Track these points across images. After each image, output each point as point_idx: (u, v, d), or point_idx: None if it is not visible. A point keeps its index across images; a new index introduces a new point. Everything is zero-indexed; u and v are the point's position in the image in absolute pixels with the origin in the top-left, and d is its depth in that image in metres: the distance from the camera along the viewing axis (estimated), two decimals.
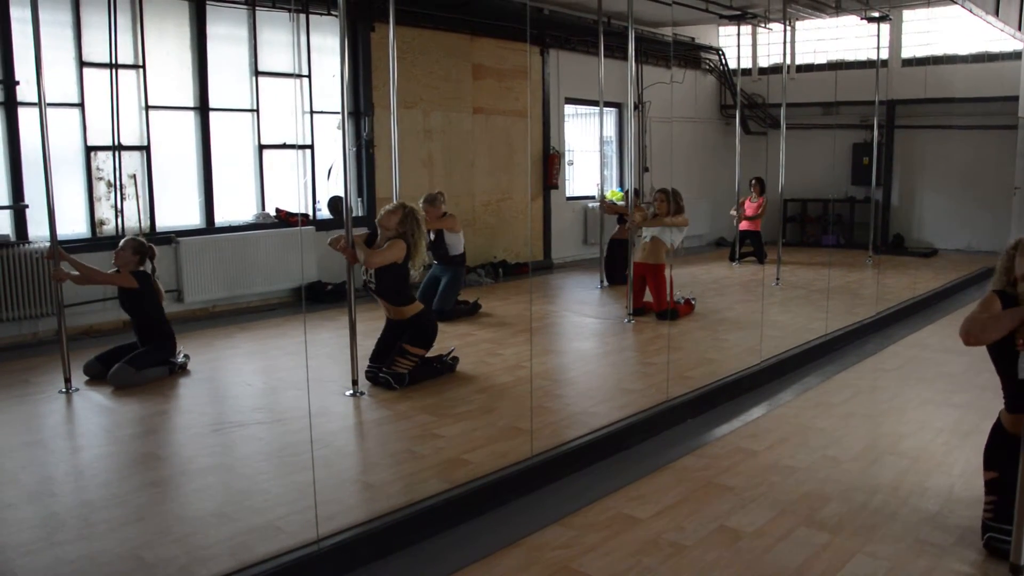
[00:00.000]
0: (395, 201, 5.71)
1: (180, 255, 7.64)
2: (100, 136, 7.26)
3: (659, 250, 7.67)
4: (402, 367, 5.32)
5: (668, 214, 7.63)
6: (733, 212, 11.56)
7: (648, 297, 7.78)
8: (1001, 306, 3.11)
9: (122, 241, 5.71)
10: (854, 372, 6.11)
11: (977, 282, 10.31)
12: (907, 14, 12.74)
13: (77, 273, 5.51)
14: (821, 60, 13.75)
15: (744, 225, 11.60)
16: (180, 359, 5.77)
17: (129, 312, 5.78)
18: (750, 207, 11.58)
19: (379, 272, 5.37)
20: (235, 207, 8.37)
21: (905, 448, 4.39)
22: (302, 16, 8.59)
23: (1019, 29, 10.89)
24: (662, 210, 7.67)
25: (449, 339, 6.44)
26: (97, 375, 5.51)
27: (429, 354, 5.65)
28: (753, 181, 11.67)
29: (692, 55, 13.69)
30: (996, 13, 9.97)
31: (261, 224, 8.41)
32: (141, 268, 5.65)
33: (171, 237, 7.64)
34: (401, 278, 5.45)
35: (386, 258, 5.30)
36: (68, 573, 2.97)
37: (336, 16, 7.17)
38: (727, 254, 12.03)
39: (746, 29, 13.19)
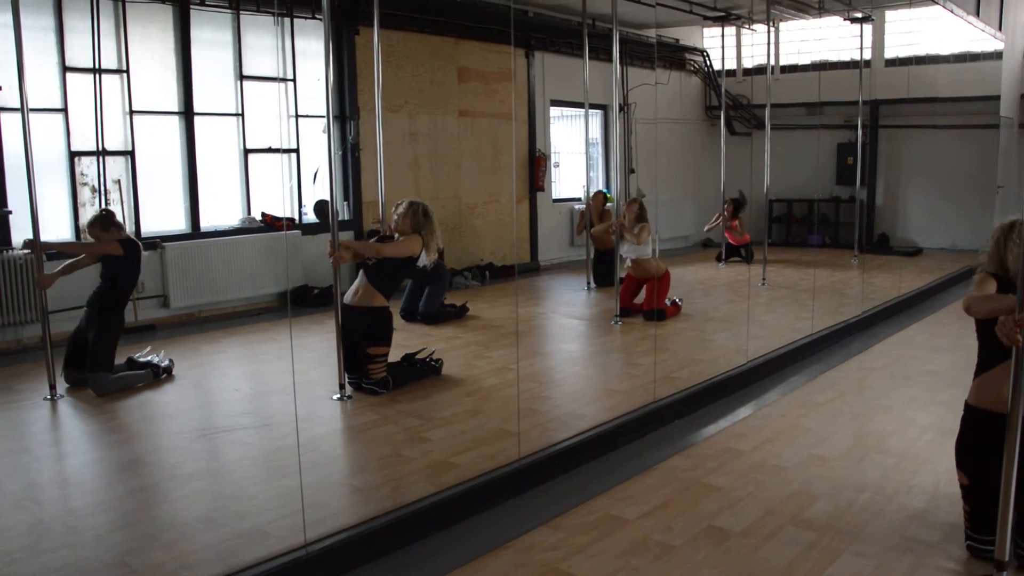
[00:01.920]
0: (404, 200, 5.66)
1: (166, 260, 7.60)
2: (84, 141, 7.22)
3: (650, 264, 7.69)
4: (378, 372, 5.28)
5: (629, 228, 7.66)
6: (709, 228, 11.69)
7: (639, 298, 7.77)
8: (997, 287, 3.00)
9: (87, 224, 5.51)
10: (840, 371, 6.14)
11: (961, 280, 10.38)
12: (890, 15, 12.84)
13: (59, 272, 5.37)
14: (805, 61, 13.82)
15: (734, 241, 11.63)
16: (164, 363, 5.73)
17: (108, 278, 5.48)
18: (733, 237, 11.58)
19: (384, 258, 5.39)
20: (221, 212, 8.34)
21: (891, 446, 4.42)
22: (286, 20, 8.56)
23: (999, 29, 11.02)
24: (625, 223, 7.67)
25: (436, 342, 6.44)
26: (77, 381, 5.46)
27: (413, 355, 5.69)
28: (727, 203, 11.57)
29: (677, 56, 13.74)
30: (977, 13, 10.07)
31: (247, 228, 8.38)
32: (125, 236, 5.52)
33: (156, 242, 7.59)
34: (401, 270, 5.59)
35: (399, 250, 5.40)
36: None
37: (320, 20, 7.16)
38: (713, 255, 12.06)
39: (730, 30, 13.25)
